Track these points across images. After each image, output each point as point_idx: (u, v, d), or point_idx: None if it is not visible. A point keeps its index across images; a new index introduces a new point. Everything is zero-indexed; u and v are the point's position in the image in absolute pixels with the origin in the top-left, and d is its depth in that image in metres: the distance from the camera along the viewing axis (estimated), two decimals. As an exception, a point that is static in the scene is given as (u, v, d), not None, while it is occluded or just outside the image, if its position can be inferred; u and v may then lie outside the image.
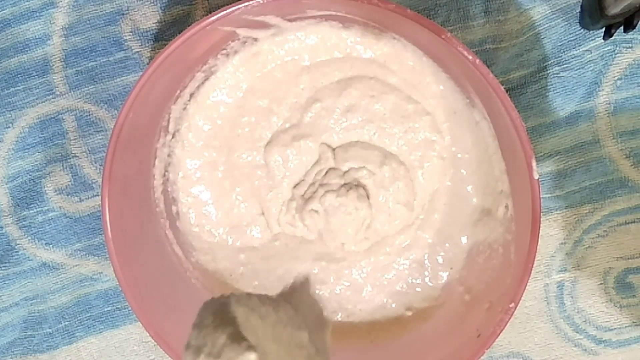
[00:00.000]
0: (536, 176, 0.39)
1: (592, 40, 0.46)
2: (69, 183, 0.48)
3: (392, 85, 0.45)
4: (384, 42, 0.44)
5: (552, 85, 0.46)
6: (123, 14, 0.47)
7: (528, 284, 0.40)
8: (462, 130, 0.45)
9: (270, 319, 0.33)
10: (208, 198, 0.47)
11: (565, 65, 0.46)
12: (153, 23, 0.47)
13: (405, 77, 0.44)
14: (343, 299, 0.48)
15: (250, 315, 0.31)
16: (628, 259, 0.48)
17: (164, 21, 0.47)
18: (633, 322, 0.49)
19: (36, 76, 0.47)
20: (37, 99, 0.47)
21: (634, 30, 0.44)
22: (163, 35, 0.47)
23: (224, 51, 0.44)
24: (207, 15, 0.39)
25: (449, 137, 0.45)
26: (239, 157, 0.46)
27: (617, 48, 0.46)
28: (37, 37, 0.47)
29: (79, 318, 0.50)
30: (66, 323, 0.50)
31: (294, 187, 0.46)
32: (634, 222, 0.48)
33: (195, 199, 0.47)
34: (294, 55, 0.45)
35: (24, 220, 0.48)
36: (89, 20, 0.47)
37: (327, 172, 0.46)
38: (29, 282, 0.49)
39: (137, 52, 0.47)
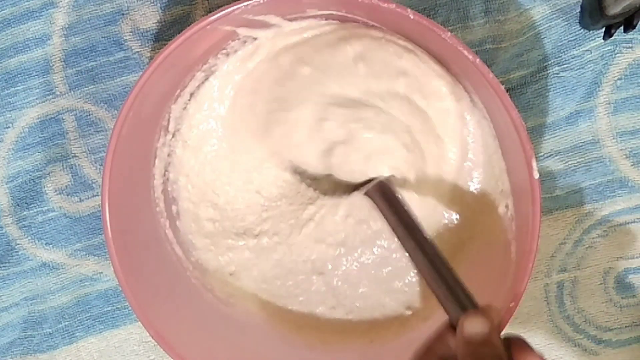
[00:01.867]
0: (536, 176, 0.39)
1: (592, 40, 0.46)
2: (69, 183, 0.48)
3: (402, 70, 0.43)
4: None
5: (552, 85, 0.46)
6: (123, 14, 0.47)
7: (528, 284, 0.40)
8: (463, 131, 0.45)
9: None
10: (207, 200, 0.47)
11: (565, 65, 0.46)
12: (153, 23, 0.47)
13: (409, 65, 0.44)
14: (340, 293, 0.48)
15: None
16: (628, 259, 0.48)
17: (164, 21, 0.47)
18: (633, 322, 0.49)
19: (36, 76, 0.47)
20: (37, 99, 0.47)
21: (634, 30, 0.44)
22: (163, 35, 0.47)
23: (224, 51, 0.44)
24: (207, 15, 0.39)
25: (455, 134, 0.45)
26: (236, 158, 0.46)
27: (617, 48, 0.46)
28: (37, 37, 0.47)
29: (79, 318, 0.50)
30: (66, 323, 0.50)
31: None
32: (634, 222, 0.48)
33: (193, 204, 0.47)
34: (288, 51, 0.45)
35: (24, 220, 0.48)
36: (89, 20, 0.47)
37: None
38: (29, 282, 0.49)
39: (137, 52, 0.47)
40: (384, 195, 0.43)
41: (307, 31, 0.44)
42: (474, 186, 0.46)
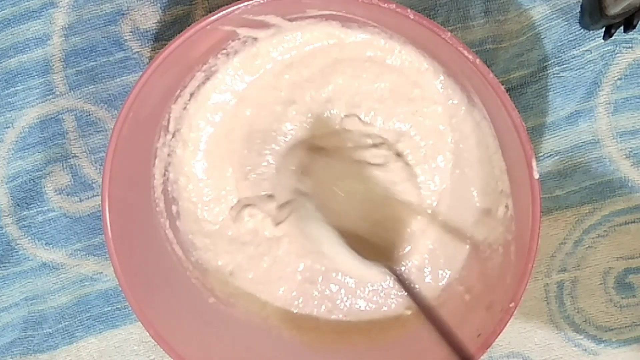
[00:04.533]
0: (536, 176, 0.39)
1: (592, 40, 0.46)
2: (69, 183, 0.48)
3: (392, 67, 0.44)
4: (383, 41, 0.44)
5: (552, 85, 0.46)
6: (123, 14, 0.47)
7: (528, 284, 0.40)
8: (464, 130, 0.45)
9: None
10: (205, 200, 0.47)
11: (565, 65, 0.46)
12: (153, 23, 0.47)
13: (406, 64, 0.44)
14: (337, 298, 0.48)
15: None
16: (628, 259, 0.48)
17: (164, 21, 0.47)
18: (633, 322, 0.49)
19: (36, 76, 0.47)
20: (37, 99, 0.47)
21: (634, 30, 0.44)
22: (163, 35, 0.47)
23: (224, 51, 0.44)
24: (207, 15, 0.39)
25: (457, 132, 0.45)
26: (246, 166, 0.47)
27: (617, 48, 0.46)
28: (37, 37, 0.47)
29: (79, 318, 0.50)
30: (66, 323, 0.50)
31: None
32: (634, 222, 0.48)
33: (193, 204, 0.47)
34: (286, 55, 0.45)
35: (24, 220, 0.48)
36: (89, 20, 0.47)
37: None
38: (29, 282, 0.49)
39: (137, 52, 0.47)
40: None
41: (308, 45, 0.44)
42: (474, 188, 0.46)
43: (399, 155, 0.45)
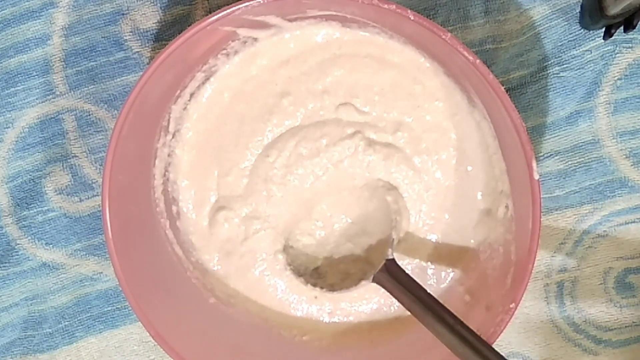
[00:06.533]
0: (536, 176, 0.39)
1: (592, 40, 0.46)
2: (69, 183, 0.48)
3: (392, 63, 0.44)
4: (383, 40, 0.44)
5: (552, 85, 0.46)
6: (123, 14, 0.47)
7: (528, 284, 0.40)
8: (466, 130, 0.45)
9: None
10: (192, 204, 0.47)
11: (565, 65, 0.46)
12: (153, 23, 0.47)
13: (407, 61, 0.44)
14: (337, 301, 0.47)
15: None
16: (628, 259, 0.48)
17: (164, 21, 0.47)
18: (633, 322, 0.49)
19: (36, 76, 0.47)
20: (37, 99, 0.47)
21: (634, 30, 0.44)
22: (163, 35, 0.47)
23: (224, 51, 0.44)
24: (207, 15, 0.39)
25: (460, 130, 0.45)
26: (230, 161, 0.46)
27: (617, 48, 0.46)
28: (37, 37, 0.47)
29: (79, 318, 0.50)
30: (66, 323, 0.50)
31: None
32: (634, 222, 0.48)
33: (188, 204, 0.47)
34: (284, 52, 0.44)
35: (24, 220, 0.49)
36: (89, 20, 0.47)
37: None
38: (29, 282, 0.49)
39: (137, 52, 0.47)
40: (393, 277, 0.43)
41: (307, 43, 0.44)
42: (477, 189, 0.46)
43: (372, 142, 0.45)
